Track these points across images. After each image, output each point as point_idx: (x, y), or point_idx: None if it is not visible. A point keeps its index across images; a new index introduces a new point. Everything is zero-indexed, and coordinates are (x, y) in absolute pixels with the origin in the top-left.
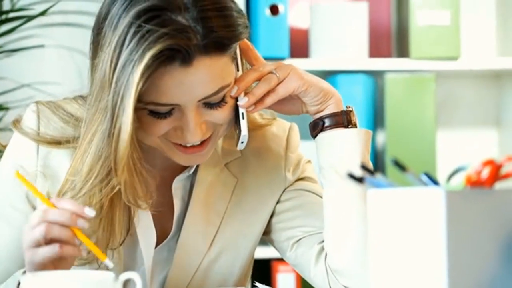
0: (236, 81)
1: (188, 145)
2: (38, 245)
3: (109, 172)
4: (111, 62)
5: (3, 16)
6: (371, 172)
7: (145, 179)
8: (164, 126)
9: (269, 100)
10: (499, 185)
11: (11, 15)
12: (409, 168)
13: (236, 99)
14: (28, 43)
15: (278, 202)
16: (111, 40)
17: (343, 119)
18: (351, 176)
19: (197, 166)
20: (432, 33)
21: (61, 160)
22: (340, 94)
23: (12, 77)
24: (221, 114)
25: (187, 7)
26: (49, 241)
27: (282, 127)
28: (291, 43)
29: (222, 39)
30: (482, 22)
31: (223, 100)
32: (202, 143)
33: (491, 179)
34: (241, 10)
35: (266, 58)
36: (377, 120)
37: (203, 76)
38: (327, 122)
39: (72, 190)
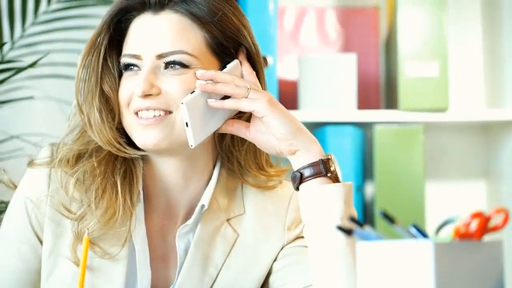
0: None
1: (143, 115)
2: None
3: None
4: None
5: None
6: (360, 225)
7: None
8: (129, 84)
9: (229, 103)
10: (487, 238)
11: (1, 67)
12: (397, 220)
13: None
14: (17, 94)
15: (275, 259)
16: None
17: (321, 169)
18: (341, 228)
19: (199, 218)
20: (420, 84)
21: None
22: (329, 146)
23: (1, 128)
24: (176, 84)
25: None
26: None
27: (287, 188)
28: (280, 94)
29: (200, 8)
30: (470, 73)
31: (182, 69)
32: (155, 118)
33: (480, 231)
34: (248, 25)
35: None
36: (366, 172)
37: (165, 28)
38: (306, 173)
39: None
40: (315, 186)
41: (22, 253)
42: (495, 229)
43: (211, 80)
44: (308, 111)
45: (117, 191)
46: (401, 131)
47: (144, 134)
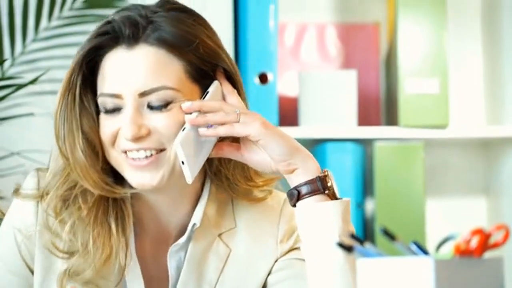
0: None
1: (134, 156)
2: None
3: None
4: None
5: None
6: (360, 241)
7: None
8: (111, 126)
9: (222, 130)
10: (488, 254)
11: (1, 83)
12: (398, 237)
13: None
14: (17, 111)
15: (270, 273)
16: None
17: (318, 186)
18: (341, 245)
19: (191, 236)
20: (420, 101)
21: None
22: (329, 162)
23: (1, 145)
24: (164, 121)
25: (152, 10)
26: None
27: (277, 199)
28: (280, 111)
29: (174, 37)
30: (470, 90)
31: (166, 106)
32: (148, 158)
33: (480, 248)
34: (222, 46)
35: None
36: (366, 188)
37: (143, 64)
38: (303, 191)
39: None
40: (313, 204)
41: (13, 285)
42: (495, 246)
43: (198, 111)
44: (308, 128)
45: (110, 234)
46: (402, 148)
47: (140, 175)
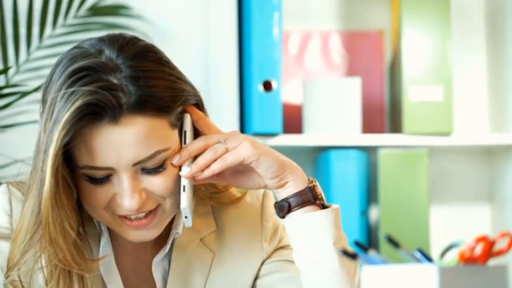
0: (180, 150)
1: (132, 217)
2: None
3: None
4: (45, 123)
5: None
6: (364, 248)
7: (84, 245)
8: (103, 194)
9: (216, 166)
10: (492, 262)
11: (5, 91)
12: (402, 245)
13: (180, 169)
14: (22, 118)
15: (257, 277)
16: (49, 102)
17: (309, 197)
18: (345, 252)
19: (172, 245)
20: (424, 108)
21: None
22: (333, 170)
23: (5, 152)
24: (161, 182)
25: (120, 68)
26: None
27: (255, 195)
28: (284, 118)
29: (153, 98)
30: (474, 98)
31: (161, 166)
32: (147, 216)
33: (484, 255)
34: (186, 78)
35: (259, 134)
36: (370, 196)
37: (132, 136)
38: (293, 203)
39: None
40: (304, 214)
41: None
42: (500, 253)
43: (187, 158)
44: (312, 135)
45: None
46: (406, 155)
47: (139, 234)
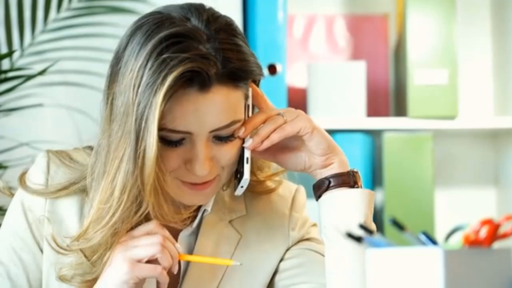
0: (244, 122)
1: (192, 183)
2: (140, 260)
3: (139, 194)
4: (134, 86)
5: (2, 75)
6: (371, 232)
7: (171, 198)
8: (175, 158)
9: (276, 136)
10: (497, 245)
11: (10, 74)
12: (407, 228)
13: (243, 142)
14: (26, 102)
15: (281, 260)
16: (132, 67)
17: (349, 179)
18: (350, 235)
19: (201, 222)
20: (429, 92)
21: (67, 206)
22: None
23: (10, 136)
24: (229, 152)
25: (209, 38)
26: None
27: (288, 189)
28: (289, 102)
29: (238, 70)
30: (479, 81)
31: (232, 135)
32: (206, 183)
33: (489, 238)
34: (253, 53)
35: None
36: (375, 179)
37: (218, 105)
38: (333, 182)
39: (103, 219)
40: (340, 191)
41: (24, 263)
42: (504, 236)
43: (251, 130)
44: (317, 119)
45: None
46: (410, 139)
47: (194, 197)
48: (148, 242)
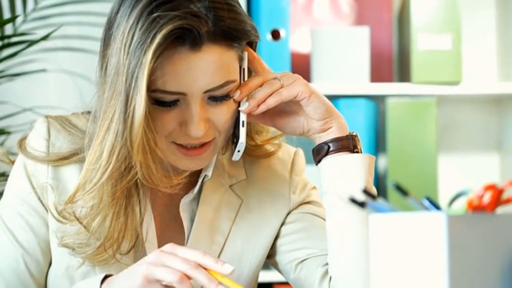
0: (240, 86)
1: (188, 146)
2: (159, 281)
3: (128, 155)
4: (125, 46)
5: (5, 41)
6: (373, 197)
7: (160, 159)
8: (170, 120)
9: (272, 100)
10: (501, 210)
11: (13, 39)
12: (410, 193)
13: (239, 106)
14: (30, 67)
15: (282, 224)
16: (124, 28)
17: (349, 143)
18: (353, 200)
19: (202, 187)
20: (433, 57)
21: (69, 174)
22: None
23: (14, 101)
24: (224, 114)
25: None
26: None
27: (287, 152)
28: (293, 67)
29: (231, 29)
30: (483, 47)
31: (227, 95)
32: (202, 146)
33: (493, 203)
34: (249, 17)
35: None
36: (378, 145)
37: (210, 64)
38: (332, 146)
39: (91, 181)
40: (340, 156)
41: (32, 226)
42: (508, 201)
43: (247, 94)
44: (320, 84)
45: (133, 218)
46: (414, 104)
47: (191, 162)
48: (174, 266)
